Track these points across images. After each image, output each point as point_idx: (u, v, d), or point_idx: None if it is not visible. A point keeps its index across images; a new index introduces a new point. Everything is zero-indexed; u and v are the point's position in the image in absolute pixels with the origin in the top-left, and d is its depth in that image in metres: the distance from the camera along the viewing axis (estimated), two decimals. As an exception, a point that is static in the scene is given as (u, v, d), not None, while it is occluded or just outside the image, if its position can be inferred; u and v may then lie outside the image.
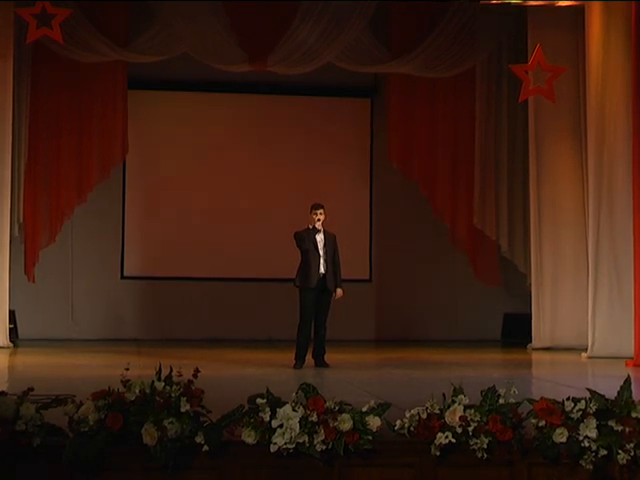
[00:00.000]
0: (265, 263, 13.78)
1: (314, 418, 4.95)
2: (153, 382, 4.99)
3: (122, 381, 5.01)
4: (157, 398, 4.91)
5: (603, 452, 5.05)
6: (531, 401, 5.21)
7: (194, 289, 13.77)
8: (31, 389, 5.10)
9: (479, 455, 5.03)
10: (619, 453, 5.05)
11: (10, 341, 11.80)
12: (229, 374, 9.20)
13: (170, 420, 4.85)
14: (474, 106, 13.45)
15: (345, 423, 4.98)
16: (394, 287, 14.24)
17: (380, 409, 5.13)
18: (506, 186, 13.44)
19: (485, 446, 5.01)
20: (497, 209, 13.47)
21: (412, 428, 5.10)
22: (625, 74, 11.21)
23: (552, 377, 10.05)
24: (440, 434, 5.01)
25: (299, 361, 9.88)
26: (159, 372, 5.03)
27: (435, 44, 12.41)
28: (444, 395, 5.18)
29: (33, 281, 12.88)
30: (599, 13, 11.41)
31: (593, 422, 5.07)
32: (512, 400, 5.17)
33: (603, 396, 5.21)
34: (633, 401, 5.21)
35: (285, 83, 13.49)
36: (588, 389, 5.32)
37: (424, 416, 5.09)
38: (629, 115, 11.07)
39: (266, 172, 13.91)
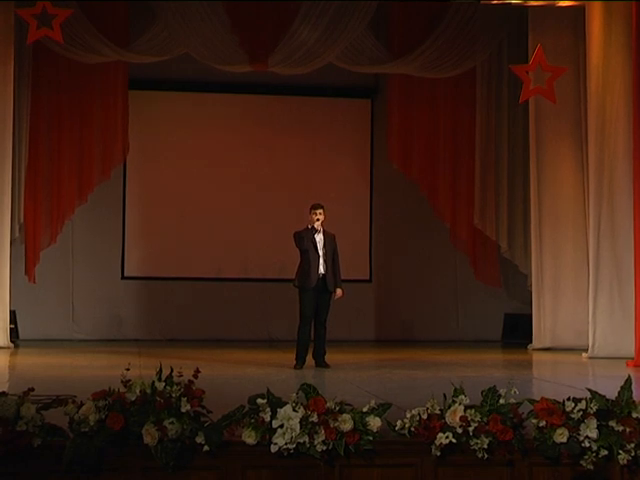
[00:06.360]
0: (265, 263, 13.78)
1: (314, 418, 4.95)
2: (154, 382, 4.99)
3: (122, 381, 5.01)
4: (158, 398, 4.91)
5: (604, 452, 5.05)
6: (532, 401, 5.21)
7: (194, 289, 13.77)
8: (32, 389, 5.11)
9: (480, 455, 5.03)
10: (620, 453, 5.06)
11: (11, 341, 11.80)
12: (229, 374, 9.20)
13: (171, 420, 4.85)
14: (474, 106, 13.45)
15: (345, 423, 4.99)
16: (394, 287, 14.24)
17: (381, 409, 5.14)
18: (506, 186, 13.45)
19: (486, 446, 5.02)
20: (497, 209, 13.47)
21: (413, 428, 5.10)
22: (626, 74, 11.22)
23: (552, 377, 10.07)
24: (441, 434, 5.02)
25: (299, 361, 9.88)
26: (159, 372, 5.04)
27: (435, 45, 12.42)
28: (445, 395, 5.19)
29: (34, 281, 12.88)
30: (599, 13, 11.41)
31: (594, 422, 5.07)
32: (513, 400, 5.17)
33: (604, 396, 5.21)
34: (634, 401, 5.22)
35: (286, 83, 13.48)
36: (589, 389, 5.32)
37: (425, 416, 5.09)
38: (630, 115, 11.07)
39: (266, 172, 13.91)
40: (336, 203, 13.10)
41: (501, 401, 5.15)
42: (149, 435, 4.83)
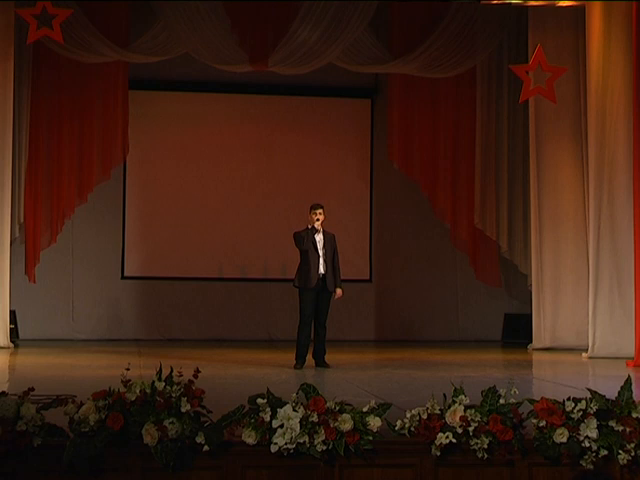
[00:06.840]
0: (265, 263, 13.78)
1: (314, 418, 4.95)
2: (153, 382, 4.99)
3: (123, 381, 5.02)
4: (158, 398, 4.91)
5: (604, 452, 5.06)
6: (532, 401, 5.21)
7: (194, 289, 13.76)
8: (32, 389, 5.11)
9: (480, 455, 5.03)
10: (620, 453, 5.06)
11: (11, 341, 11.80)
12: (229, 374, 9.20)
13: (171, 420, 4.85)
14: (475, 106, 13.44)
15: (346, 423, 4.99)
16: (394, 287, 14.23)
17: (381, 409, 5.14)
18: (507, 186, 13.44)
19: (486, 446, 5.02)
20: (497, 209, 13.46)
21: (413, 428, 5.11)
22: (626, 74, 11.22)
23: (552, 377, 10.06)
24: (441, 434, 5.02)
25: (299, 361, 9.88)
26: (159, 372, 5.04)
27: (436, 44, 12.41)
28: (445, 395, 5.19)
29: (34, 281, 12.87)
30: (600, 13, 11.41)
31: (594, 422, 5.07)
32: (513, 400, 5.18)
33: (604, 396, 5.21)
34: (634, 401, 5.22)
35: (286, 83, 13.48)
36: (589, 389, 5.32)
37: (425, 416, 5.09)
38: (630, 115, 11.07)
39: (266, 172, 13.91)
40: (336, 203, 13.13)
41: (501, 401, 5.15)
42: (149, 435, 4.83)
